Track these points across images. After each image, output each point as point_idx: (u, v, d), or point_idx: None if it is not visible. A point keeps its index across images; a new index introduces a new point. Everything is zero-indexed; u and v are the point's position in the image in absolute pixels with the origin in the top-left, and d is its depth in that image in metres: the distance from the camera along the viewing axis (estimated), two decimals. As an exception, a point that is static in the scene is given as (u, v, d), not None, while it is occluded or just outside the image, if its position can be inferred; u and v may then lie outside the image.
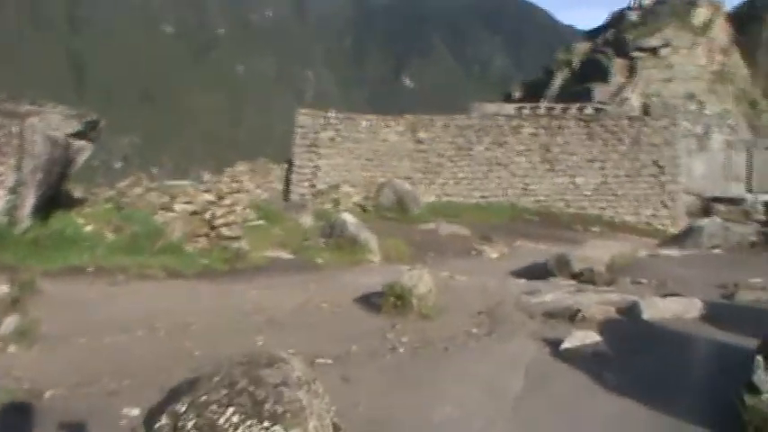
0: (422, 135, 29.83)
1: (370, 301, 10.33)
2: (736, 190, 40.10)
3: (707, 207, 35.88)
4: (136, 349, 8.17)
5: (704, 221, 17.29)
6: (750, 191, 40.80)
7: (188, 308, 10.28)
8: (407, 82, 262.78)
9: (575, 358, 7.54)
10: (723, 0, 76.24)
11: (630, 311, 9.34)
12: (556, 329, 8.86)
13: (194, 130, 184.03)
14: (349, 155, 29.99)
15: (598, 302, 10.12)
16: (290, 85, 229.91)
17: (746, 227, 25.64)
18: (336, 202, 26.03)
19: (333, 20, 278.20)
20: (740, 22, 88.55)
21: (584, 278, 13.26)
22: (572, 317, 9.35)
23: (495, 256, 18.46)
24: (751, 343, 7.71)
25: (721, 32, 73.37)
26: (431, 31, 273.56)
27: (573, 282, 13.11)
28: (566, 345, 7.93)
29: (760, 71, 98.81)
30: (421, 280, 9.95)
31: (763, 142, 43.38)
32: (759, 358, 5.58)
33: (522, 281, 13.68)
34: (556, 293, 11.46)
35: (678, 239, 17.44)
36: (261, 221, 19.90)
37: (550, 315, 9.66)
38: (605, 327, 8.73)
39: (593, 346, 7.90)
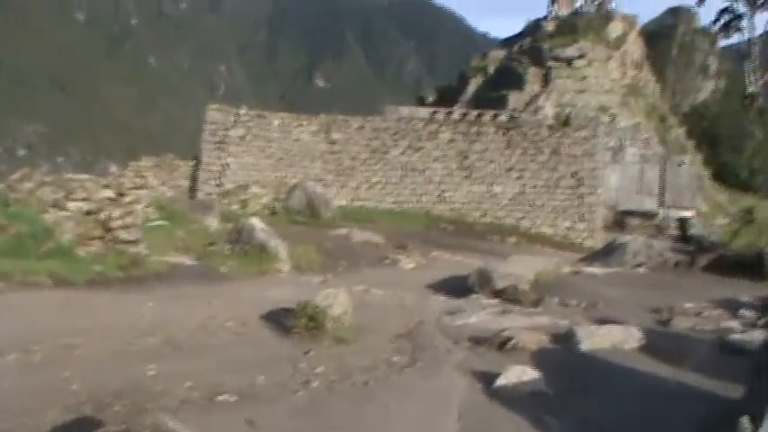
0: (335, 136, 28.85)
1: (279, 320, 9.28)
2: (649, 204, 40.17)
3: (620, 220, 35.75)
4: (2, 381, 6.81)
5: (627, 238, 16.67)
6: (662, 205, 40.94)
7: (74, 324, 9.00)
8: (320, 81, 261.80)
9: (512, 399, 6.65)
10: (637, 15, 77.38)
11: (566, 340, 8.54)
12: (485, 359, 8.00)
13: (105, 121, 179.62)
14: (259, 154, 28.85)
15: (528, 327, 9.33)
16: (203, 79, 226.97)
17: (662, 242, 25.37)
18: (244, 204, 24.91)
19: (247, 14, 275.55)
20: (651, 38, 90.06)
21: (508, 296, 12.47)
22: (502, 345, 8.50)
23: (410, 266, 17.56)
24: (699, 380, 7.03)
25: (634, 47, 74.20)
26: (345, 31, 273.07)
27: (496, 300, 12.31)
28: (500, 382, 7.03)
29: (668, 87, 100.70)
30: (336, 299, 8.95)
31: (676, 158, 43.63)
32: (744, 421, 4.70)
33: (442, 297, 12.84)
34: (480, 315, 10.64)
35: (600, 256, 16.77)
36: (163, 222, 18.70)
37: (477, 341, 8.79)
38: (540, 359, 7.90)
39: (530, 383, 7.02)
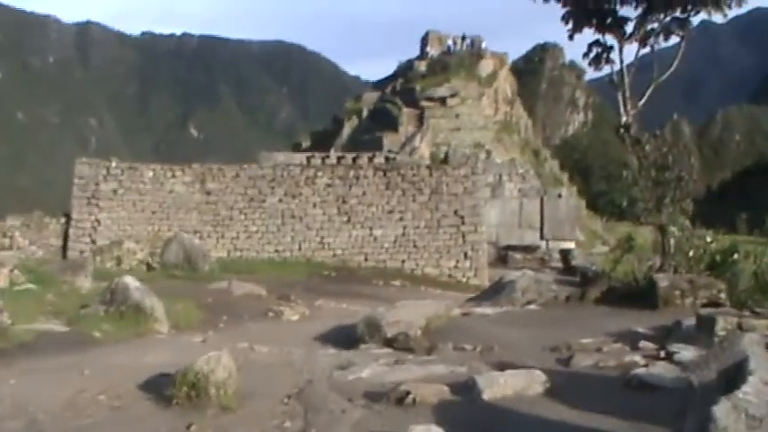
0: (211, 186, 27.96)
1: (158, 389, 8.44)
2: (530, 237, 40.50)
3: (503, 255, 35.84)
4: None
5: (515, 275, 16.34)
6: (543, 238, 41.33)
7: None
8: (194, 131, 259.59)
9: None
10: (507, 53, 79.01)
11: (468, 391, 8.00)
12: (385, 418, 7.37)
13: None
14: (133, 208, 27.74)
15: (425, 379, 8.79)
16: (74, 134, 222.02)
17: (547, 275, 25.33)
18: (119, 261, 23.81)
19: (117, 66, 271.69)
20: (521, 74, 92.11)
21: (400, 345, 11.92)
22: (400, 400, 7.90)
23: (295, 317, 16.86)
24: (609, 423, 6.63)
25: (506, 84, 75.68)
26: (218, 81, 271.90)
27: (388, 350, 11.73)
28: (404, 445, 6.45)
29: (539, 122, 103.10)
30: (219, 363, 8.20)
31: (554, 190, 44.23)
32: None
33: (331, 350, 12.17)
34: (373, 367, 10.01)
35: (489, 295, 16.39)
36: (31, 285, 17.57)
37: (373, 397, 8.16)
38: (443, 413, 7.34)
39: (437, 445, 6.46)
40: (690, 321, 11.08)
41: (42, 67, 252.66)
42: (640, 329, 11.64)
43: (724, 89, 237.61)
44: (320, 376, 9.44)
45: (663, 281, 14.11)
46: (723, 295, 13.94)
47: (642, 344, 10.52)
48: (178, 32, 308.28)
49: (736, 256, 22.46)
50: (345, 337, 13.10)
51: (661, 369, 8.54)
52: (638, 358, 9.49)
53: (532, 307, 14.93)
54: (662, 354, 9.61)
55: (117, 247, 24.63)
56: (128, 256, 24.06)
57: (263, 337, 14.45)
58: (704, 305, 13.64)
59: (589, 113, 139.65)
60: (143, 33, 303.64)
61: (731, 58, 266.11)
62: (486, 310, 14.66)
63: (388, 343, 12.15)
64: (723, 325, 9.85)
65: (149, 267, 23.91)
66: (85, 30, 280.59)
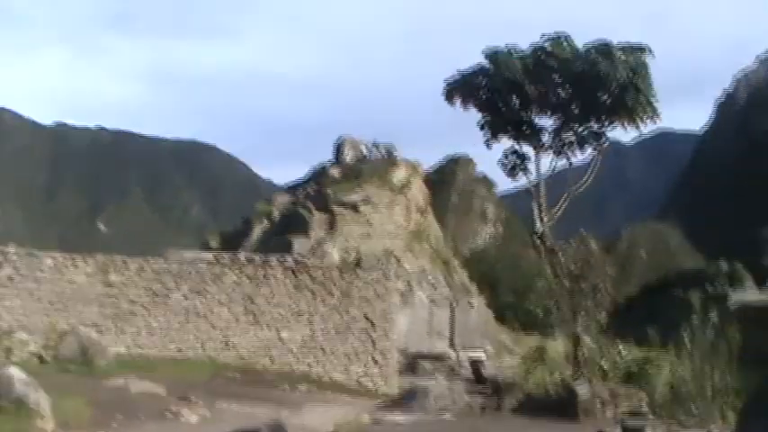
0: (113, 278, 26.70)
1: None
2: (440, 346, 39.97)
3: (412, 363, 35.15)
4: None
5: (429, 382, 15.70)
6: (452, 347, 40.85)
7: None
8: (102, 226, 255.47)
9: None
10: (420, 161, 79.47)
11: None
12: None
13: None
14: (29, 297, 26.28)
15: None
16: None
17: (459, 384, 24.67)
18: (8, 352, 22.38)
19: (26, 155, 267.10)
20: (433, 184, 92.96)
21: (306, 453, 11.15)
22: None
23: (194, 420, 15.82)
24: None
25: (418, 193, 75.81)
26: (129, 176, 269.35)
27: (293, 458, 10.91)
28: None
29: (449, 233, 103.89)
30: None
31: (465, 300, 43.95)
32: None
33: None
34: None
35: (400, 402, 15.69)
36: None
37: None
38: None
39: None
40: (613, 431, 10.58)
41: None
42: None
43: (630, 207, 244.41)
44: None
45: (582, 390, 13.66)
46: (644, 405, 13.55)
47: (565, 459, 9.96)
48: (92, 125, 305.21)
49: (650, 367, 22.31)
50: (248, 443, 12.23)
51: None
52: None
53: (447, 416, 14.27)
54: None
55: (6, 337, 23.18)
56: (19, 348, 22.63)
57: (159, 440, 13.48)
58: (625, 415, 13.19)
59: (499, 226, 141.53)
60: (57, 123, 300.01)
61: (637, 177, 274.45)
62: (399, 417, 13.97)
63: (294, 451, 11.36)
64: (652, 436, 9.37)
65: (42, 360, 22.54)
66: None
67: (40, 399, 12.69)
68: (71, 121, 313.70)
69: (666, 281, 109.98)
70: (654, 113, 24.64)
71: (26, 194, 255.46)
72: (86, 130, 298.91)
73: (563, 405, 13.91)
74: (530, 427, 12.86)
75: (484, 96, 25.79)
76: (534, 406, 14.33)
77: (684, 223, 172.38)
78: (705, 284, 71.73)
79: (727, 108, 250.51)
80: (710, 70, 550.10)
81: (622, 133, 25.36)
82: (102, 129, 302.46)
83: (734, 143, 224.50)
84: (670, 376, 17.15)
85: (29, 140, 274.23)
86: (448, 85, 25.29)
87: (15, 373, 13.08)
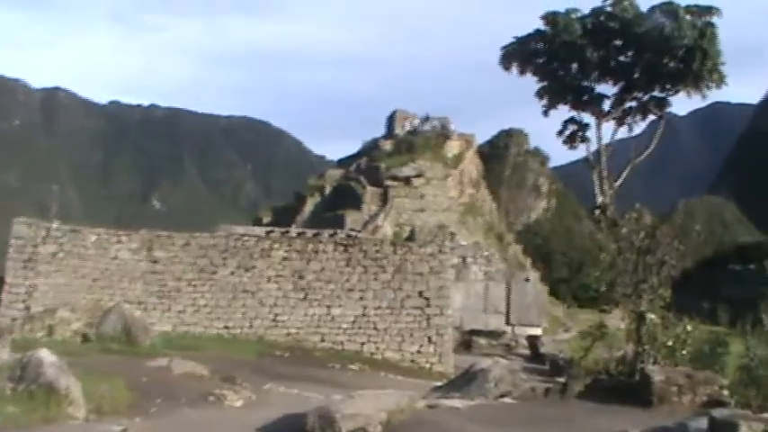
0: (158, 254, 25.92)
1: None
2: (495, 322, 38.90)
3: (467, 340, 34.18)
4: None
5: (487, 363, 14.57)
6: (509, 323, 39.78)
7: None
8: (156, 203, 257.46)
9: None
10: (474, 135, 78.18)
11: None
12: None
13: None
14: (73, 274, 25.64)
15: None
16: (34, 200, 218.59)
17: (515, 362, 23.61)
18: (51, 330, 21.78)
19: (81, 134, 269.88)
20: (485, 158, 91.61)
21: (356, 443, 10.19)
22: None
23: (239, 403, 14.92)
24: None
25: (471, 166, 74.62)
26: (182, 153, 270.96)
27: (342, 450, 9.96)
28: None
29: (502, 207, 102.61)
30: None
31: (521, 275, 42.81)
32: None
33: (275, 448, 10.38)
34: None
35: (459, 385, 14.58)
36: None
37: None
38: None
39: None
40: (697, 423, 9.43)
41: (7, 130, 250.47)
42: (636, 432, 9.99)
43: (683, 180, 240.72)
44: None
45: (657, 375, 12.45)
46: (726, 392, 12.35)
47: (645, 452, 8.87)
48: (145, 103, 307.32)
49: (721, 347, 21.00)
50: (295, 430, 11.29)
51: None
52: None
53: (507, 400, 13.18)
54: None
55: (50, 315, 22.57)
56: (61, 326, 22.02)
57: (199, 426, 12.60)
58: (705, 403, 12.04)
59: (552, 200, 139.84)
60: (110, 102, 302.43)
61: (690, 150, 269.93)
62: (456, 402, 12.90)
63: (343, 440, 10.39)
64: (747, 431, 8.20)
65: (85, 339, 21.86)
66: (52, 95, 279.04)
67: (69, 384, 11.83)
68: (125, 100, 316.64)
69: (721, 255, 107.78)
70: (720, 80, 23.06)
71: (82, 174, 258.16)
72: (139, 107, 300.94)
73: (635, 390, 12.73)
74: (598, 413, 11.73)
75: (541, 62, 24.41)
76: (602, 390, 13.17)
77: (738, 197, 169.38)
78: (763, 259, 69.65)
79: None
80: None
81: (676, 103, 23.94)
82: (155, 106, 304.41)
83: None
84: (746, 358, 15.86)
85: (83, 120, 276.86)
86: (504, 50, 23.97)
87: (45, 355, 12.23)
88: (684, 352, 19.87)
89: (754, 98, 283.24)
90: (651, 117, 24.45)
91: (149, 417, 12.85)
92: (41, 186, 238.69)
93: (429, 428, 10.63)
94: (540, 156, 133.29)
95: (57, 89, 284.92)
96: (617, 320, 31.31)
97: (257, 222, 64.48)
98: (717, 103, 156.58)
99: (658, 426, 10.25)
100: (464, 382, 14.56)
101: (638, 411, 11.80)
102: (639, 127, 24.95)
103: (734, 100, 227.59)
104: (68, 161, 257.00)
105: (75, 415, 11.60)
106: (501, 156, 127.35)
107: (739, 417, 8.59)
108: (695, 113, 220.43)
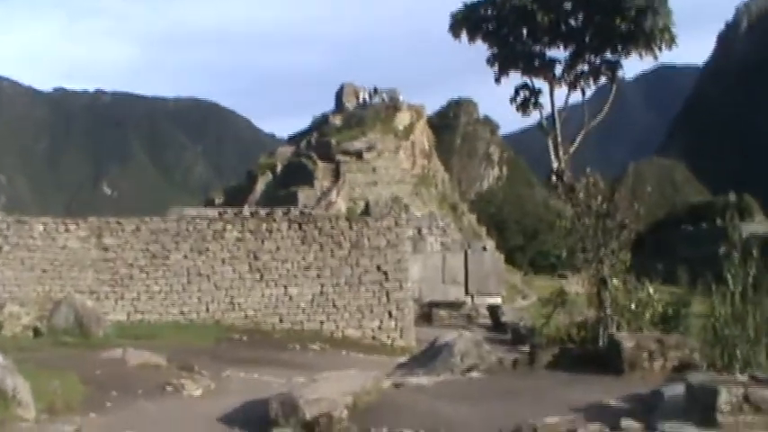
0: (108, 241, 25.22)
1: None
2: (455, 293, 38.70)
3: (427, 312, 33.91)
4: None
5: (451, 336, 14.19)
6: (467, 293, 39.62)
7: None
8: (107, 189, 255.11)
9: None
10: (424, 105, 77.89)
11: None
12: None
13: None
14: (20, 266, 24.90)
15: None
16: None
17: (476, 333, 23.31)
18: (0, 326, 21.07)
19: (27, 122, 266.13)
20: (436, 129, 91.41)
21: (323, 429, 9.76)
22: None
23: (198, 392, 14.40)
24: None
25: (422, 137, 74.42)
26: (130, 138, 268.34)
27: (307, 436, 9.55)
28: None
29: (454, 177, 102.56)
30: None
31: (478, 244, 42.63)
32: None
33: (237, 438, 9.93)
34: (288, 465, 7.85)
35: (423, 360, 14.20)
36: None
37: None
38: None
39: None
40: (673, 391, 9.13)
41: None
42: (612, 402, 9.70)
43: (631, 143, 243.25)
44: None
45: (627, 341, 12.14)
46: (697, 356, 12.10)
47: (625, 423, 8.56)
48: (91, 89, 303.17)
49: (685, 309, 20.85)
50: (257, 418, 10.85)
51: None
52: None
53: (475, 374, 12.82)
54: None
55: (-2, 310, 21.84)
56: (10, 322, 21.26)
57: (157, 418, 12.09)
58: (676, 368, 11.78)
59: (504, 168, 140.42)
60: (55, 89, 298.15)
61: (638, 113, 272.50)
62: (422, 379, 12.51)
63: (309, 427, 9.97)
64: (727, 397, 7.90)
65: (36, 333, 21.16)
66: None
67: (17, 384, 11.22)
68: (70, 86, 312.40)
69: (673, 216, 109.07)
70: (672, 40, 22.76)
71: (30, 162, 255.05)
72: (85, 93, 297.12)
73: (604, 357, 12.44)
74: (569, 383, 11.42)
75: (491, 28, 23.90)
76: (571, 359, 12.86)
77: (687, 158, 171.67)
78: (715, 218, 70.39)
79: (729, 40, 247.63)
80: (712, 1, 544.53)
81: (624, 67, 23.69)
82: (101, 92, 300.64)
83: (735, 75, 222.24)
84: (713, 319, 15.62)
85: (29, 107, 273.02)
86: (453, 17, 23.46)
87: (-10, 355, 11.62)
88: (648, 315, 19.73)
89: (698, 59, 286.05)
90: (602, 80, 24.01)
91: (105, 412, 12.32)
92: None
93: (397, 410, 10.24)
94: (490, 124, 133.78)
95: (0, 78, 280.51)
96: (574, 286, 31.23)
97: (209, 204, 63.87)
98: (662, 66, 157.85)
99: (631, 394, 9.97)
100: (429, 357, 14.19)
101: (610, 380, 11.52)
102: (591, 91, 24.54)
103: (679, 62, 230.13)
104: (15, 150, 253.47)
105: (24, 416, 11.01)
106: (451, 126, 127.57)
107: (718, 382, 8.30)
108: (642, 78, 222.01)
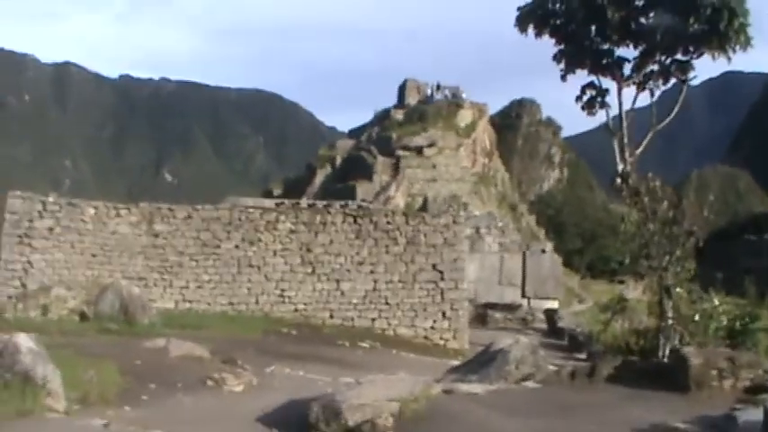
0: (159, 228, 24.81)
1: None
2: (510, 295, 37.84)
3: (482, 314, 33.13)
4: None
5: (506, 342, 13.44)
6: (524, 296, 38.74)
7: None
8: (168, 176, 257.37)
9: None
10: (487, 103, 76.97)
11: None
12: None
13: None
14: (71, 249, 24.58)
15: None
16: (47, 174, 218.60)
17: (532, 337, 22.47)
18: (45, 309, 20.71)
19: (93, 108, 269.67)
20: (498, 128, 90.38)
21: (365, 439, 9.14)
22: None
23: (239, 388, 13.84)
24: None
25: (484, 135, 73.54)
26: (193, 126, 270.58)
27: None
28: None
29: (515, 177, 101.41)
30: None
31: (537, 246, 41.71)
32: None
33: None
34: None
35: (476, 366, 13.47)
36: None
37: None
38: None
39: None
40: (748, 415, 8.32)
41: (18, 105, 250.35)
42: (679, 425, 8.89)
43: (695, 150, 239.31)
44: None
45: (694, 357, 11.30)
46: (774, 377, 11.22)
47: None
48: (156, 77, 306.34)
49: (755, 324, 19.83)
50: (297, 420, 10.26)
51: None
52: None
53: (530, 384, 12.08)
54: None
55: (44, 293, 21.47)
56: (56, 305, 20.93)
57: (192, 416, 11.52)
58: (748, 389, 10.93)
59: (564, 170, 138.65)
60: (121, 76, 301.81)
61: (703, 120, 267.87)
62: (474, 387, 11.81)
63: (350, 434, 9.36)
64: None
65: (83, 317, 20.83)
66: (63, 70, 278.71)
67: (48, 372, 10.71)
68: (135, 74, 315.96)
69: (735, 225, 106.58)
70: (747, 42, 21.75)
71: (94, 147, 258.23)
72: (150, 81, 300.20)
73: (670, 373, 11.60)
74: (630, 399, 10.64)
75: (559, 23, 23.06)
76: (633, 372, 12.05)
77: (752, 166, 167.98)
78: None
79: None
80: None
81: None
82: (166, 80, 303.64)
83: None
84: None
85: (94, 94, 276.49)
86: (520, 11, 22.62)
87: (22, 341, 11.08)
88: (713, 328, 18.86)
89: (766, 67, 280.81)
90: (671, 82, 23.06)
91: (140, 405, 11.81)
92: (54, 161, 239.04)
93: (446, 420, 9.55)
94: (552, 126, 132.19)
95: (67, 64, 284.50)
96: (633, 292, 30.20)
97: (268, 194, 63.61)
98: (729, 72, 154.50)
99: (700, 415, 9.18)
100: (482, 363, 13.46)
101: (675, 398, 10.71)
102: (660, 92, 23.60)
103: (746, 69, 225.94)
104: (80, 135, 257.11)
105: (54, 407, 10.50)
106: (513, 126, 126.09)
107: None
108: (707, 83, 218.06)
